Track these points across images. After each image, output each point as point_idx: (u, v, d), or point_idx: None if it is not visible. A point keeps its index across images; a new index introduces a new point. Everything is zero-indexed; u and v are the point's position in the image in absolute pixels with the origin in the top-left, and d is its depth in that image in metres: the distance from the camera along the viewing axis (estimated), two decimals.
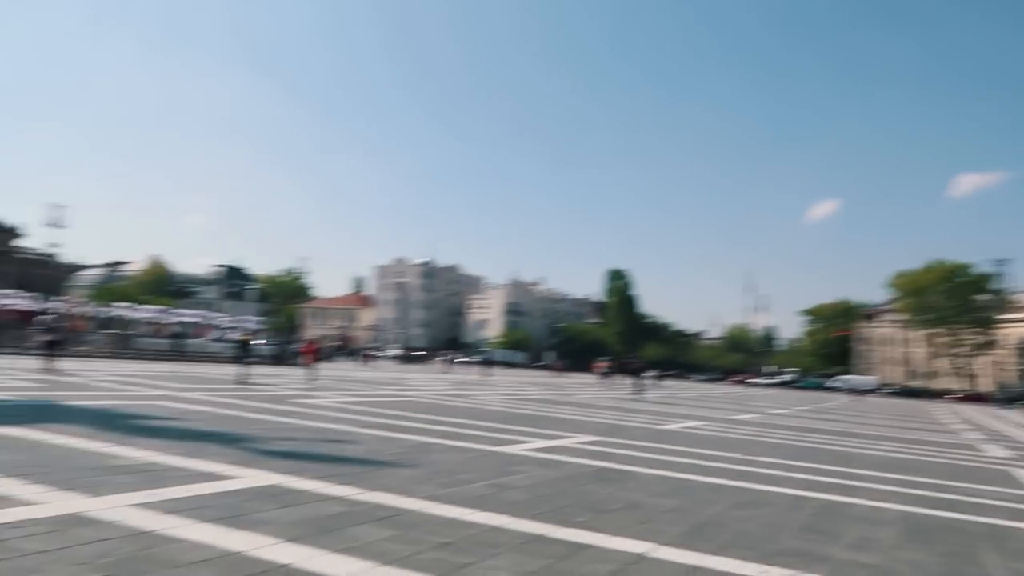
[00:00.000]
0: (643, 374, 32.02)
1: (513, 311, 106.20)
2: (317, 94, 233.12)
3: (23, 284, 68.55)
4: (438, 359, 60.66)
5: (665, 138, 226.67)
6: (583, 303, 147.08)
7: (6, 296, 38.22)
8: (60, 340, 24.82)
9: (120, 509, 5.61)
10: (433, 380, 36.72)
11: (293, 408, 15.42)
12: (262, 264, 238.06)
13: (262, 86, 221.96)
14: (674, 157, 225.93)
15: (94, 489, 6.22)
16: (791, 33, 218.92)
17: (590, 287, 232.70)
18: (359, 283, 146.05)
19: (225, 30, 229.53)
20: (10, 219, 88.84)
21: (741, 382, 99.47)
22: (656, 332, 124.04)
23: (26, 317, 36.37)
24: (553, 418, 18.10)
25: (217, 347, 42.94)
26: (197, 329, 46.39)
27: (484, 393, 27.29)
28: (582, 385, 46.03)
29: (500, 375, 56.20)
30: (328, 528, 5.56)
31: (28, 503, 5.59)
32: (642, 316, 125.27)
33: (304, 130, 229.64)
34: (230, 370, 31.49)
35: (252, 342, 26.11)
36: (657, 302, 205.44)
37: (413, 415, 15.85)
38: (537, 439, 12.82)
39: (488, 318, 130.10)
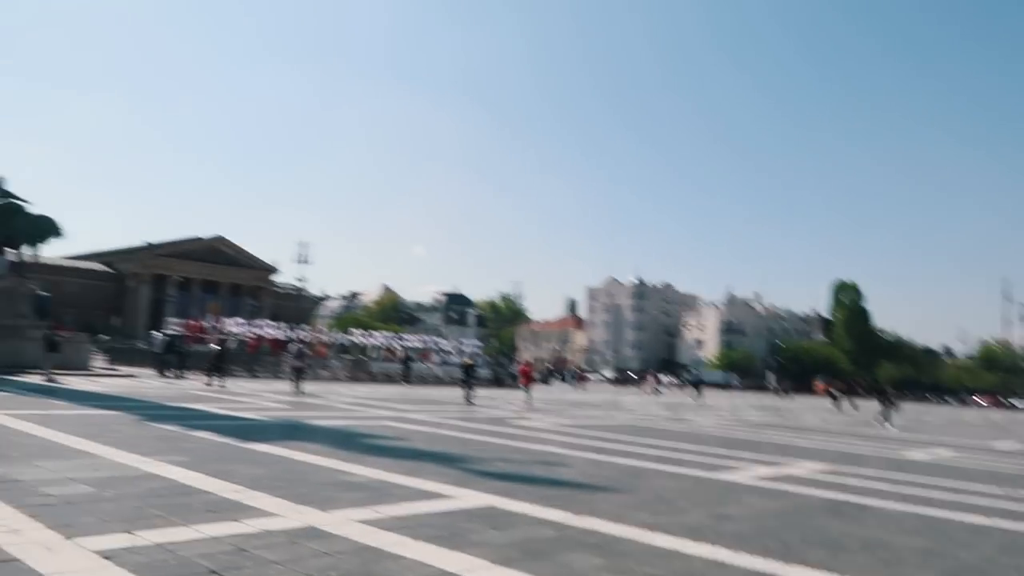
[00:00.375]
0: (892, 397, 28.99)
1: (730, 330, 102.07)
2: (525, 119, 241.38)
3: (276, 315, 77.36)
4: (646, 381, 59.26)
5: (898, 140, 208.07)
6: (807, 319, 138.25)
7: (261, 327, 43.10)
8: (304, 366, 27.49)
9: (347, 524, 5.92)
10: (647, 402, 36.10)
11: (508, 430, 15.76)
12: (480, 289, 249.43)
13: (473, 114, 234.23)
14: (907, 159, 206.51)
15: (326, 504, 6.64)
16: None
17: (813, 302, 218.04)
18: (572, 305, 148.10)
19: (437, 62, 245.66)
20: (267, 258, 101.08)
21: (999, 405, 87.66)
22: (893, 350, 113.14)
23: (278, 345, 40.75)
24: (776, 443, 16.97)
25: (440, 370, 45.35)
26: (423, 353, 49.33)
27: (700, 416, 26.31)
28: (807, 408, 43.00)
29: (716, 397, 54.10)
30: (540, 553, 5.48)
31: (269, 515, 6.07)
32: (876, 332, 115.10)
33: (515, 155, 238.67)
34: (452, 392, 33.07)
35: (474, 366, 27.45)
36: (891, 317, 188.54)
37: (626, 438, 15.57)
38: (759, 466, 12.03)
39: (703, 338, 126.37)
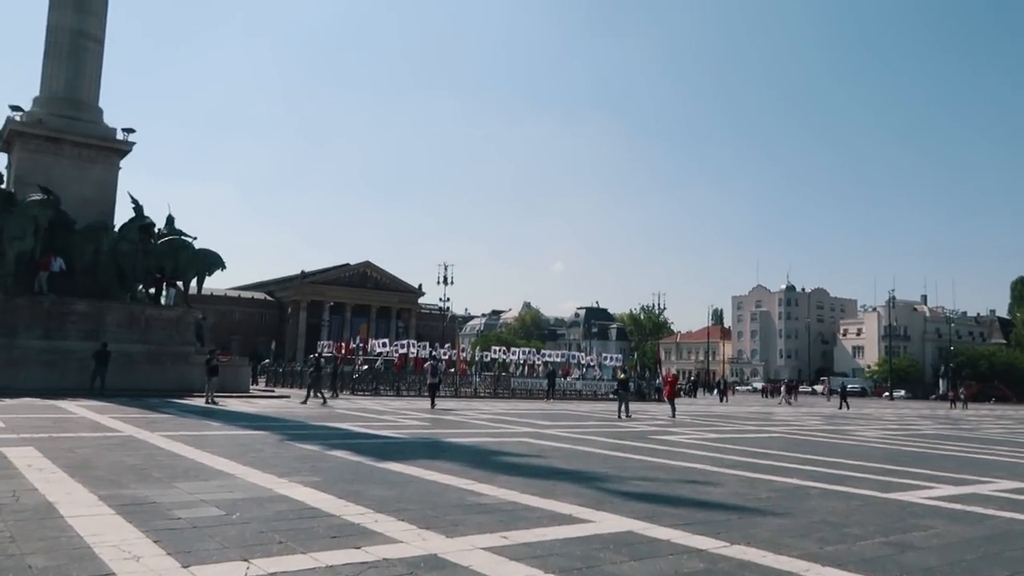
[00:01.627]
0: None
1: (892, 335, 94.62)
2: (661, 130, 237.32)
3: (421, 335, 79.72)
4: (781, 390, 55.40)
5: None
6: (981, 321, 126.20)
7: (403, 346, 44.21)
8: (438, 383, 28.40)
9: (473, 552, 5.46)
10: (802, 414, 33.78)
11: (652, 445, 14.91)
12: (621, 303, 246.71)
13: (607, 129, 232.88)
14: None
15: (452, 528, 6.22)
16: None
17: (989, 303, 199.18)
18: (717, 315, 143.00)
19: (569, 79, 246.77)
20: (412, 280, 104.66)
21: None
22: None
23: (421, 364, 41.56)
24: (957, 458, 15.10)
25: (581, 385, 44.69)
26: (563, 368, 48.86)
27: (863, 428, 24.15)
28: (987, 417, 38.80)
29: (877, 407, 50.00)
30: None
31: (392, 540, 5.71)
32: None
33: (652, 167, 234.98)
34: (593, 407, 32.34)
35: (628, 379, 26.70)
36: None
37: (781, 453, 14.32)
38: (941, 484, 10.57)
39: (862, 344, 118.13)
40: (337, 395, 31.28)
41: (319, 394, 25.84)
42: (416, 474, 9.33)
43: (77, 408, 18.08)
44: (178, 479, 8.24)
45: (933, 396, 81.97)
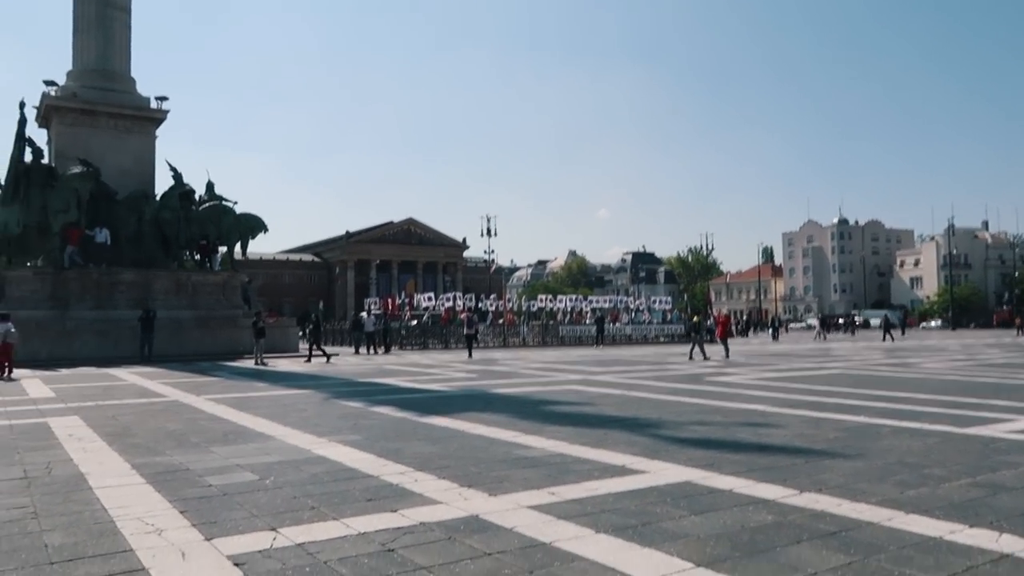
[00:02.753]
0: None
1: (954, 264, 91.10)
2: (695, 74, 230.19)
3: (468, 288, 79.65)
4: (816, 328, 53.49)
5: None
6: None
7: (449, 299, 44.02)
8: (474, 333, 30.53)
9: (517, 512, 5.03)
10: (862, 349, 32.69)
11: (707, 388, 14.34)
12: (668, 246, 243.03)
13: (648, 74, 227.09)
14: None
15: (496, 486, 5.81)
16: None
17: None
18: (767, 253, 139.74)
19: (605, 29, 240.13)
20: (457, 234, 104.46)
21: None
22: None
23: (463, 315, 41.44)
24: None
25: (631, 330, 44.07)
26: (612, 314, 48.23)
27: (929, 360, 23.13)
28: None
29: (941, 337, 48.32)
30: (756, 547, 4.26)
31: (431, 502, 5.32)
32: None
33: (698, 107, 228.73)
34: (644, 351, 31.78)
35: (699, 320, 26.02)
36: None
37: (844, 390, 13.62)
38: (1023, 416, 9.81)
39: (921, 275, 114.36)
40: (389, 351, 31.35)
41: (371, 350, 26.05)
42: (461, 428, 8.97)
43: (128, 375, 18.25)
44: (216, 443, 8.01)
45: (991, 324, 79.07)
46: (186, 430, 9.04)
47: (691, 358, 23.30)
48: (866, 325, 71.79)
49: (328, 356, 25.18)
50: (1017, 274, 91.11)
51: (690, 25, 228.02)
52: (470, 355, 27.23)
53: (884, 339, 41.79)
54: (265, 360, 23.45)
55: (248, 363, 23.29)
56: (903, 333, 59.91)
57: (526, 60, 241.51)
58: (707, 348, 25.37)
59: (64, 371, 19.72)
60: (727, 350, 25.72)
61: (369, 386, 15.47)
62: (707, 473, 6.24)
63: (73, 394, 13.64)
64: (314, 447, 7.67)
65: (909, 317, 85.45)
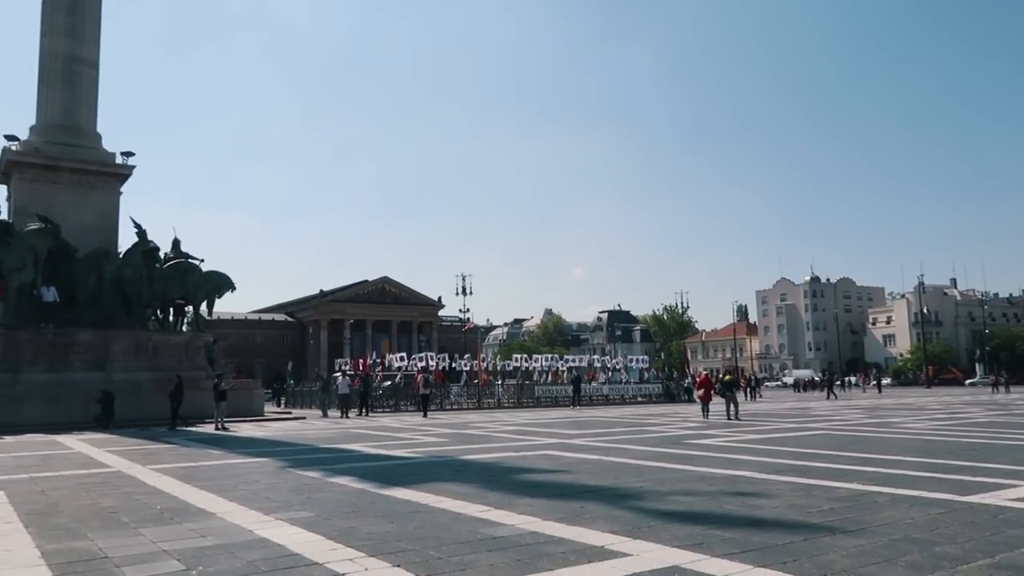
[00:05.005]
0: None
1: (924, 320, 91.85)
2: (669, 133, 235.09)
3: (443, 348, 78.61)
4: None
5: None
6: (1015, 302, 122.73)
7: (422, 359, 43.05)
8: (430, 394, 31.68)
9: None
10: (840, 408, 32.23)
11: (688, 452, 13.65)
12: (644, 305, 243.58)
13: (620, 135, 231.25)
14: None
15: None
16: None
17: (1021, 282, 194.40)
18: (742, 311, 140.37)
19: (580, 88, 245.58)
20: (432, 293, 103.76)
21: None
22: None
23: (443, 377, 40.46)
24: None
25: (607, 390, 43.33)
26: (589, 373, 47.49)
27: (910, 420, 22.66)
28: None
29: (920, 395, 48.07)
30: None
31: None
32: None
33: (671, 166, 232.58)
34: (621, 412, 31.04)
35: (734, 380, 25.73)
36: None
37: (831, 453, 13.02)
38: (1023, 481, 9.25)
39: (893, 332, 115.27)
40: (367, 414, 30.31)
41: (341, 412, 25.13)
42: (424, 501, 8.19)
43: (76, 442, 17.15)
44: (148, 523, 7.15)
45: (968, 382, 79.32)
46: (119, 507, 8.16)
47: (729, 417, 23.55)
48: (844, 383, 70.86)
49: (325, 414, 24.28)
50: (987, 331, 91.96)
51: (666, 84, 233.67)
52: (425, 414, 28.98)
53: (828, 397, 44.72)
54: (227, 425, 22.38)
55: (209, 428, 22.19)
56: (879, 391, 59.85)
57: (503, 118, 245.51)
58: (683, 408, 24.72)
59: (7, 439, 18.55)
60: (707, 411, 24.86)
61: (331, 452, 14.57)
62: (697, 556, 5.55)
63: (7, 465, 12.62)
64: (257, 527, 6.85)
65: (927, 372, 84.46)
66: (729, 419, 23.08)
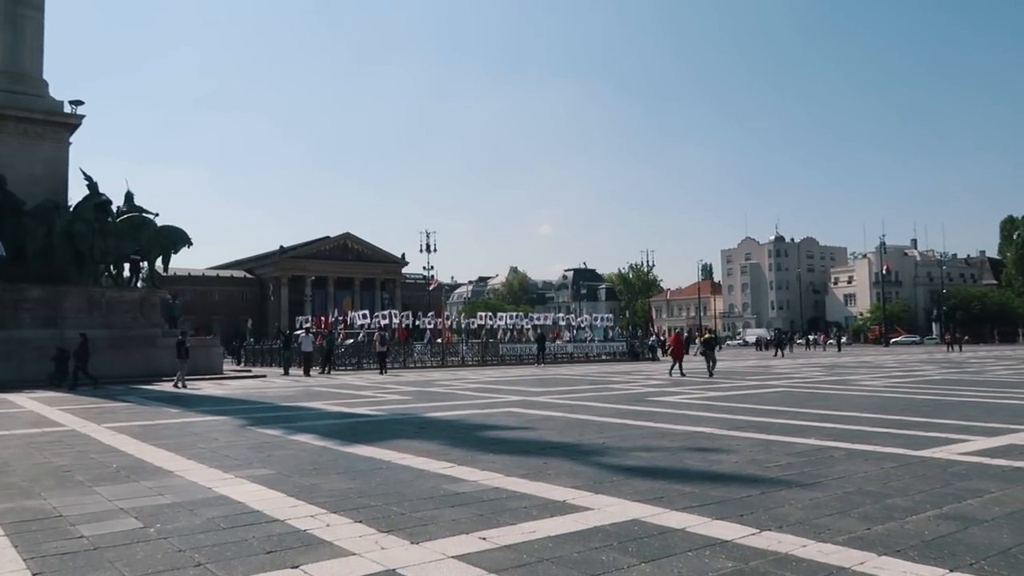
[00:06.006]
0: None
1: (885, 281, 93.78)
2: (628, 91, 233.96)
3: (407, 306, 78.31)
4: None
5: None
6: (972, 263, 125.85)
7: (385, 316, 42.83)
8: (387, 351, 31.61)
9: (442, 565, 4.31)
10: (800, 366, 32.93)
11: (651, 409, 13.83)
12: (609, 263, 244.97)
13: (589, 90, 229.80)
14: None
15: (419, 530, 5.07)
16: None
17: (981, 244, 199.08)
18: (707, 270, 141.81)
19: (552, 40, 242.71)
20: (396, 251, 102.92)
21: None
22: None
23: (406, 335, 40.34)
24: (978, 404, 14.12)
25: (572, 348, 43.62)
26: (553, 331, 47.74)
27: (868, 377, 23.23)
28: (987, 359, 38.17)
29: (877, 353, 49.35)
30: None
31: (342, 553, 4.54)
32: None
33: (637, 125, 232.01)
34: (585, 369, 31.34)
35: (715, 337, 25.97)
36: None
37: (790, 410, 13.28)
38: (974, 436, 9.53)
39: (854, 292, 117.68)
40: (329, 372, 30.11)
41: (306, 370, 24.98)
42: (387, 458, 8.17)
43: (28, 401, 16.80)
44: (103, 482, 7.02)
45: (926, 339, 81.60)
46: (73, 465, 8.00)
47: (711, 375, 23.93)
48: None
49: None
50: (945, 291, 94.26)
51: (622, 41, 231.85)
52: (383, 372, 29.37)
53: (776, 355, 46.78)
54: (187, 383, 22.08)
55: (167, 386, 21.88)
56: (839, 349, 61.31)
57: (463, 75, 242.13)
58: (647, 366, 24.97)
59: None
60: (678, 369, 25.02)
61: (292, 410, 14.47)
62: (657, 509, 5.62)
63: None
64: (217, 484, 6.77)
65: (893, 330, 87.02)
66: (711, 377, 23.43)
